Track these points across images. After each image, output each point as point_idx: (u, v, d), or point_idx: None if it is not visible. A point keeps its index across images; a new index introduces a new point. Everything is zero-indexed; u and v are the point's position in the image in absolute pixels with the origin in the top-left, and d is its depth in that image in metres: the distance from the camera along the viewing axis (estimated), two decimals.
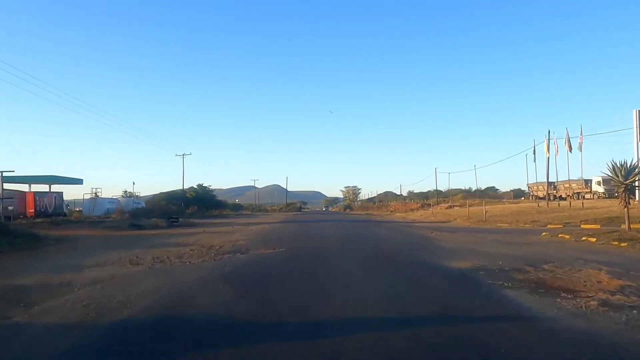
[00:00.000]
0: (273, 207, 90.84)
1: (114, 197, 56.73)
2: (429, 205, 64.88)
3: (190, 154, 57.64)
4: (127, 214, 37.36)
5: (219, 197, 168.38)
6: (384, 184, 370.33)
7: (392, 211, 66.39)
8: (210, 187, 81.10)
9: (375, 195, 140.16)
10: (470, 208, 46.86)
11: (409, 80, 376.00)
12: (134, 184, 66.00)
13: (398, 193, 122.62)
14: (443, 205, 62.59)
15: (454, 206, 60.23)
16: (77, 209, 52.07)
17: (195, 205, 73.15)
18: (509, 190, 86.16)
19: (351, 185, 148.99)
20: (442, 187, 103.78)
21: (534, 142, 41.00)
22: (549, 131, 44.08)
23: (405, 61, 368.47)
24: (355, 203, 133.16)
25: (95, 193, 51.86)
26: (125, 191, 79.93)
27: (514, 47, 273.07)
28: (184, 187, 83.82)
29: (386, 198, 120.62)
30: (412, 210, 62.44)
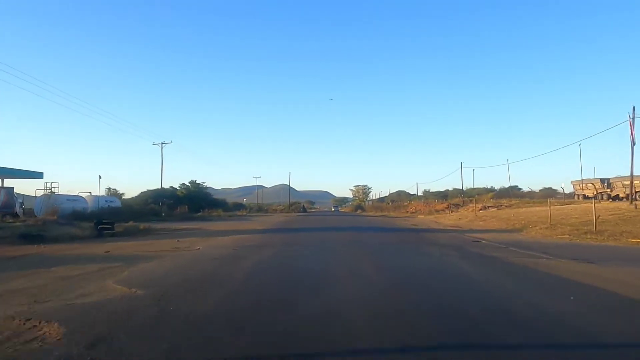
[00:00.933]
0: (274, 208, 79.73)
1: (80, 193, 46.15)
2: (457, 205, 53.21)
3: (171, 142, 46.52)
4: (55, 216, 26.54)
5: (227, 197, 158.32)
6: (395, 183, 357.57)
7: (412, 213, 54.75)
8: (205, 184, 70.39)
9: (387, 194, 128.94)
10: (524, 210, 35.49)
11: (420, 79, 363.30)
12: (100, 177, 51.73)
13: (412, 192, 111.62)
14: (474, 205, 50.92)
15: (488, 207, 48.68)
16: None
17: (186, 205, 62.81)
18: (537, 189, 74.14)
19: (361, 184, 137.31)
20: (461, 186, 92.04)
21: (628, 115, 29.06)
22: (634, 108, 32.25)
23: (416, 60, 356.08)
24: (366, 203, 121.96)
25: (51, 189, 41.24)
26: (109, 188, 69.84)
27: (529, 48, 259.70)
28: (180, 184, 73.09)
29: (399, 198, 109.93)
30: (437, 211, 50.83)
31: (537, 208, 36.71)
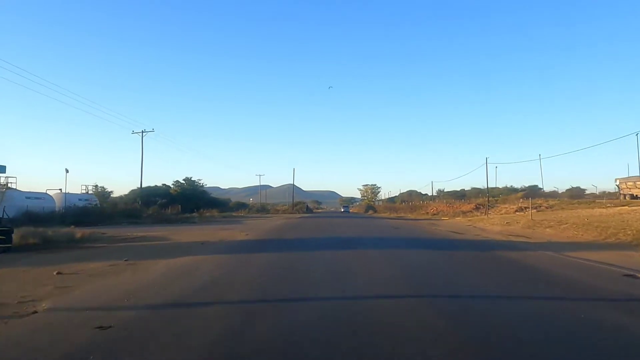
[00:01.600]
0: (277, 208, 72.13)
1: (49, 190, 39.04)
2: (485, 206, 45.05)
3: (153, 130, 38.81)
4: None
5: (233, 196, 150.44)
6: (405, 183, 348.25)
7: (433, 214, 46.78)
8: (201, 182, 63.08)
9: (398, 194, 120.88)
10: (586, 212, 27.49)
11: (430, 75, 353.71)
12: (67, 171, 41.30)
13: (423, 192, 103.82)
14: (506, 206, 42.89)
15: (524, 208, 40.68)
16: None
17: (179, 204, 55.64)
18: (553, 188, 65.67)
19: (370, 184, 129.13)
20: (480, 185, 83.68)
21: None
22: None
23: (423, 55, 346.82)
24: (376, 203, 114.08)
25: (6, 184, 34.08)
26: (96, 185, 62.84)
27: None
28: (174, 181, 65.67)
29: (410, 197, 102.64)
30: (463, 213, 42.79)
31: (601, 210, 28.70)
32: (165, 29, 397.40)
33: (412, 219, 39.52)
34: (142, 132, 37.83)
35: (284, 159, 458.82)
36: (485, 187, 75.59)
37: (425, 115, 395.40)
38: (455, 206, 47.74)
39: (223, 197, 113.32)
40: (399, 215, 50.77)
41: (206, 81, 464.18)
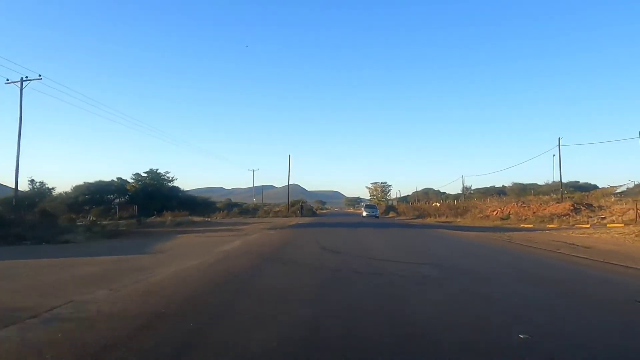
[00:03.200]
0: (267, 209, 55.44)
1: None
2: (590, 206, 27.91)
3: (40, 77, 21.52)
4: None
5: (236, 197, 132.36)
6: (414, 181, 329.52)
7: (502, 218, 29.84)
8: (169, 175, 46.34)
9: (411, 193, 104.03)
10: None
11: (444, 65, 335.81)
12: None
13: (442, 191, 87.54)
14: (625, 207, 25.94)
15: None
16: None
17: (136, 204, 39.11)
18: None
19: (379, 182, 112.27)
20: (490, 183, 65.24)
21: None
22: None
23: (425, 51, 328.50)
24: (387, 203, 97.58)
25: None
26: (32, 180, 45.96)
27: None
28: (133, 174, 48.77)
29: (427, 197, 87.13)
30: (559, 217, 25.90)
31: None
32: (164, 29, 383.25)
33: (481, 229, 22.53)
34: (22, 80, 20.78)
35: (287, 157, 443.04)
36: (527, 182, 57.59)
37: (440, 109, 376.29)
38: (533, 207, 30.40)
39: (223, 198, 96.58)
40: (440, 221, 33.64)
41: (207, 79, 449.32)
